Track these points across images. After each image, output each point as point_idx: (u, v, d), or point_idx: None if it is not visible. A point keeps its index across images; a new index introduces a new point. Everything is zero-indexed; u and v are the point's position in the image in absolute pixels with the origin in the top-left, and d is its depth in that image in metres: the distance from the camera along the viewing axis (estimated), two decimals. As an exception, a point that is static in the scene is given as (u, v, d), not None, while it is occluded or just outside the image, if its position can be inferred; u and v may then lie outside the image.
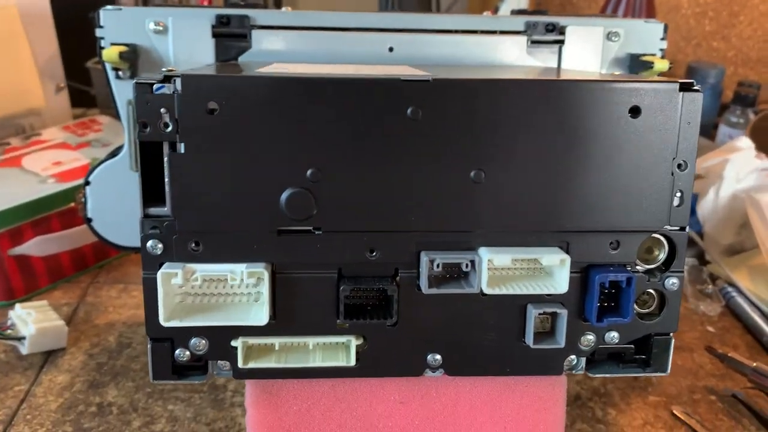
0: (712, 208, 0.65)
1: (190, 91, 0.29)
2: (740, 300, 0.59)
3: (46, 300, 0.56)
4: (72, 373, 0.51)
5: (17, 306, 0.53)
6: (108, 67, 0.49)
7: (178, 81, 0.29)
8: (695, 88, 0.30)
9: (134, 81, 0.29)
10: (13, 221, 0.56)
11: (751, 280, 0.60)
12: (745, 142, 0.66)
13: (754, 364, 0.49)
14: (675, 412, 0.48)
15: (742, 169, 0.65)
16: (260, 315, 0.30)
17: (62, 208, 0.59)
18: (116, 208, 0.50)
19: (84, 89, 0.88)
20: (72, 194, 0.59)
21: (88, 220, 0.50)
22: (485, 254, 0.30)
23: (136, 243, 0.51)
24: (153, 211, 0.31)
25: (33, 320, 0.51)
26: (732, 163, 0.64)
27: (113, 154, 0.50)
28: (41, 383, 0.50)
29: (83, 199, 0.50)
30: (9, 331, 0.51)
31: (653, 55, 0.47)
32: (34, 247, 0.57)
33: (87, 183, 0.50)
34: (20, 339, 0.51)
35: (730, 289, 0.61)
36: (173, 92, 0.29)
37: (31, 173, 0.61)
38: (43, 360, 0.52)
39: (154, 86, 0.29)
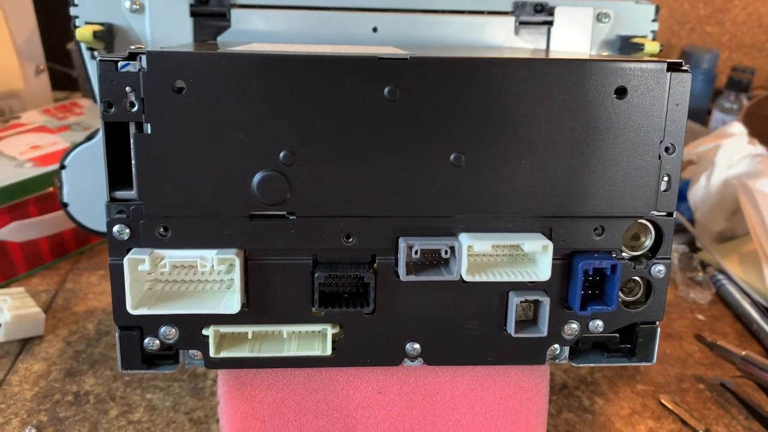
0: (703, 194, 0.64)
1: (157, 69, 0.27)
2: (730, 288, 0.58)
3: (23, 287, 0.55)
4: (49, 362, 0.50)
5: (-7, 293, 0.52)
6: (83, 47, 0.48)
7: (144, 58, 0.27)
8: (684, 68, 0.29)
9: (98, 58, 0.28)
10: (-11, 206, 0.54)
11: (741, 268, 0.59)
12: (738, 128, 0.65)
13: (744, 353, 0.48)
14: (663, 401, 0.47)
15: (734, 155, 0.64)
16: (232, 303, 0.29)
17: (40, 193, 0.57)
18: (93, 192, 0.48)
19: (66, 72, 0.86)
20: (50, 179, 0.57)
21: (65, 205, 0.49)
22: (465, 240, 0.29)
23: (114, 228, 0.50)
24: (120, 194, 0.29)
25: (8, 307, 0.50)
26: (724, 149, 0.63)
27: (90, 137, 0.49)
28: (17, 371, 0.49)
29: (59, 184, 0.49)
30: (-17, 319, 0.50)
31: (644, 37, 0.46)
32: (11, 232, 0.56)
33: (62, 167, 0.49)
34: (-5, 326, 0.50)
35: (720, 276, 0.60)
36: (139, 70, 0.28)
37: (9, 157, 0.60)
38: (20, 348, 0.51)
39: (119, 64, 0.28)
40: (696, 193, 0.65)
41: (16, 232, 0.56)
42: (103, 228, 0.50)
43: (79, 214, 0.49)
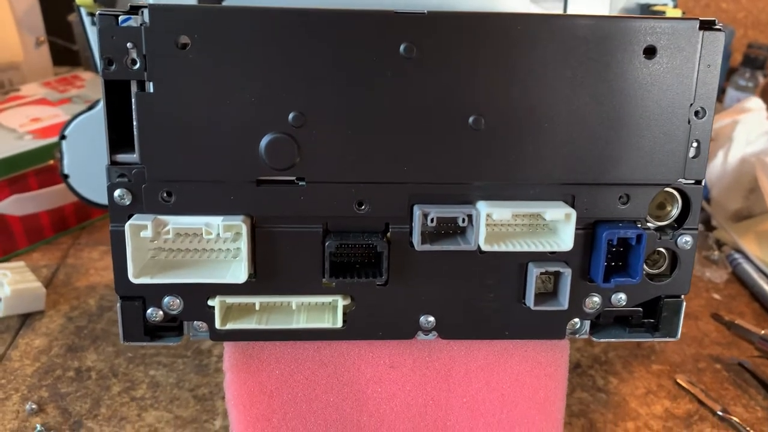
0: (720, 171, 0.62)
1: (159, 24, 0.26)
2: (747, 267, 0.57)
3: (23, 261, 0.54)
4: (50, 337, 0.48)
5: (-8, 267, 0.51)
6: (83, 12, 0.46)
7: (146, 12, 0.26)
8: (717, 27, 0.28)
9: (97, 12, 0.26)
10: (-12, 178, 0.53)
11: (758, 247, 0.58)
12: (756, 103, 0.64)
13: (762, 332, 0.47)
14: (679, 380, 0.46)
15: (752, 131, 0.62)
16: (239, 272, 0.28)
17: (40, 166, 0.56)
18: (94, 163, 0.47)
19: (67, 46, 0.85)
20: (50, 151, 0.56)
21: (65, 177, 0.48)
22: (484, 208, 0.28)
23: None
24: (121, 157, 0.28)
25: (9, 281, 0.49)
26: (742, 125, 0.62)
27: (91, 107, 0.47)
28: (17, 347, 0.47)
29: (59, 155, 0.48)
30: (-17, 293, 0.49)
31: (665, 5, 0.44)
32: (11, 205, 0.55)
33: (63, 137, 0.47)
34: (-5, 301, 0.49)
35: (736, 255, 0.58)
36: (141, 25, 0.26)
37: (8, 129, 0.58)
38: (20, 323, 0.50)
39: (120, 18, 0.26)
40: (712, 171, 0.63)
41: (16, 205, 0.55)
42: (105, 200, 0.49)
43: (80, 186, 0.48)
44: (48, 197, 0.57)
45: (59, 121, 0.60)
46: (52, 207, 0.57)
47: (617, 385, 0.46)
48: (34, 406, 0.42)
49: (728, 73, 0.92)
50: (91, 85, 0.68)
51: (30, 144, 0.56)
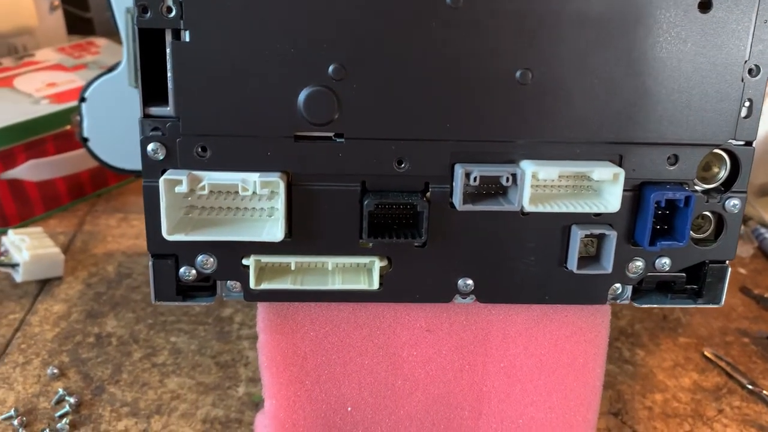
0: (746, 145, 0.61)
1: (197, -31, 0.25)
2: (774, 241, 0.56)
3: (41, 227, 0.53)
4: (69, 303, 0.48)
5: (10, 232, 0.50)
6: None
7: (183, -43, 0.25)
8: (775, -20, 0.27)
9: (132, -44, 0.25)
10: (5, 143, 0.52)
11: (785, 222, 0.57)
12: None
13: (793, 306, 0.46)
14: (706, 353, 0.45)
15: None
16: (275, 230, 0.27)
17: (57, 131, 0.55)
18: (114, 126, 0.46)
19: (80, 14, 0.83)
20: (67, 116, 0.55)
21: (84, 140, 0.47)
22: (529, 167, 0.27)
23: (136, 165, 0.48)
24: (154, 111, 0.27)
25: (27, 246, 0.48)
26: (770, 98, 0.60)
27: (111, 68, 0.46)
28: (36, 312, 0.47)
29: (79, 118, 0.47)
30: (2, 258, 0.48)
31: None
32: (28, 171, 0.54)
33: (82, 99, 0.46)
34: (14, 266, 0.48)
35: (762, 230, 0.58)
36: (177, -30, 0.25)
37: (24, 94, 0.57)
38: (39, 289, 0.49)
39: (155, -37, 0.25)
40: (738, 145, 0.62)
41: (33, 170, 0.54)
42: (125, 165, 0.48)
43: (100, 150, 0.47)
44: (65, 163, 0.56)
45: (75, 86, 0.59)
46: (69, 173, 0.57)
47: (644, 357, 0.45)
48: (55, 371, 0.41)
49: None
50: (106, 51, 0.67)
51: (47, 108, 0.55)
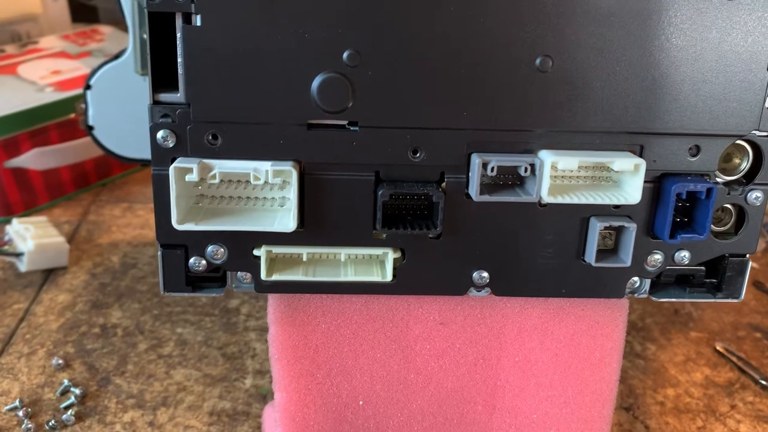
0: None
1: (209, -50, 0.24)
2: (786, 235, 0.55)
3: (45, 216, 0.53)
4: (74, 293, 0.47)
5: (14, 221, 0.50)
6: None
7: (195, -62, 0.24)
8: (805, -35, 0.26)
9: (142, -63, 0.24)
10: (9, 130, 0.52)
11: (797, 215, 0.56)
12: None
13: (807, 301, 0.46)
14: (718, 348, 0.45)
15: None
16: (287, 220, 0.27)
17: (61, 119, 0.54)
18: (120, 114, 0.45)
19: (84, 2, 0.82)
20: (71, 104, 0.54)
21: (90, 128, 0.46)
22: (548, 157, 0.26)
23: (142, 154, 0.47)
24: (164, 97, 0.26)
25: (32, 236, 0.48)
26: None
27: (117, 56, 0.46)
28: (41, 302, 0.46)
29: (84, 106, 0.46)
30: (6, 247, 0.48)
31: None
32: (32, 159, 0.53)
33: (88, 87, 0.45)
34: (18, 255, 0.48)
35: (774, 224, 0.57)
36: (188, -49, 0.24)
37: (28, 81, 0.57)
38: (43, 278, 0.49)
39: (166, -55, 0.24)
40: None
41: (37, 159, 0.53)
42: (131, 153, 0.47)
43: (105, 138, 0.46)
44: (69, 152, 0.55)
45: (80, 74, 0.58)
46: (73, 162, 0.56)
47: (655, 351, 0.45)
48: (60, 362, 0.41)
49: None
50: (111, 39, 0.66)
51: (51, 96, 0.54)
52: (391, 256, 0.28)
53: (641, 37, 0.26)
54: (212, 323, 0.45)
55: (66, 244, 0.49)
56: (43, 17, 0.67)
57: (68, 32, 0.67)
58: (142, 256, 0.51)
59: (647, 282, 0.30)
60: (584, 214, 0.28)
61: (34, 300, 0.47)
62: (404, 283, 0.29)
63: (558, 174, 0.27)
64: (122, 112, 0.45)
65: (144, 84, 0.45)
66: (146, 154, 0.48)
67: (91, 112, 0.46)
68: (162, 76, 0.26)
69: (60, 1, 0.70)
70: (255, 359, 0.42)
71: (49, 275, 0.49)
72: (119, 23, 0.69)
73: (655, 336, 0.46)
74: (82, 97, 0.46)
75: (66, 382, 0.40)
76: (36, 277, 0.49)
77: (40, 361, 0.41)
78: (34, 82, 0.56)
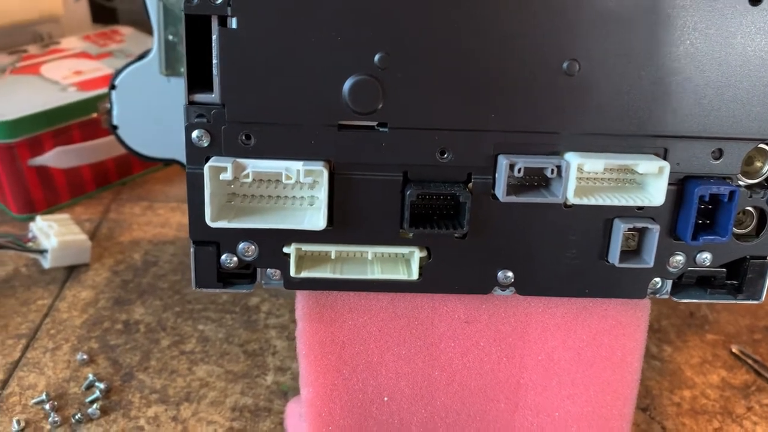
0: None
1: (246, -45, 0.25)
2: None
3: (68, 214, 0.53)
4: (96, 290, 0.48)
5: (38, 218, 0.50)
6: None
7: (232, -57, 0.25)
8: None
9: (181, -58, 0.25)
10: (33, 129, 0.52)
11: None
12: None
13: (822, 305, 0.46)
14: (734, 350, 0.45)
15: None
16: (317, 219, 0.27)
17: (83, 119, 0.55)
18: (144, 114, 0.46)
19: (104, 3, 0.83)
20: (94, 104, 0.55)
21: (114, 128, 0.47)
22: (574, 159, 0.27)
23: (165, 154, 0.48)
24: (199, 97, 0.27)
25: (55, 233, 0.49)
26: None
27: (141, 56, 0.46)
28: (65, 298, 0.47)
29: (108, 106, 0.47)
30: (30, 244, 0.49)
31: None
32: (55, 158, 0.54)
33: (113, 87, 0.46)
34: (42, 252, 0.48)
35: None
36: (225, -44, 0.25)
37: (51, 81, 0.57)
38: (66, 275, 0.49)
39: (204, -51, 0.25)
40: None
41: (59, 157, 0.54)
42: (153, 153, 0.48)
43: (129, 138, 0.47)
44: (91, 151, 0.56)
45: (102, 74, 0.59)
46: (95, 161, 0.57)
47: (671, 353, 0.45)
48: (84, 357, 0.42)
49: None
50: (131, 39, 0.67)
51: (74, 96, 0.55)
52: (417, 255, 0.29)
53: (666, 42, 0.26)
54: (233, 320, 0.46)
55: (88, 242, 0.50)
56: (64, 18, 0.68)
57: (89, 33, 0.68)
58: (163, 254, 0.52)
59: (669, 283, 0.30)
60: (608, 215, 0.28)
61: (57, 296, 0.47)
62: (430, 281, 0.29)
63: (584, 175, 0.28)
64: (146, 112, 0.46)
65: (168, 85, 0.45)
66: (169, 153, 0.49)
67: (115, 112, 0.47)
68: (196, 77, 0.27)
69: (81, 2, 0.71)
70: (276, 356, 0.43)
71: (71, 272, 0.50)
72: (139, 24, 0.70)
73: (671, 338, 0.46)
74: (104, 97, 0.47)
75: (91, 376, 0.40)
76: (59, 274, 0.49)
77: (65, 356, 0.42)
78: (56, 82, 0.57)
